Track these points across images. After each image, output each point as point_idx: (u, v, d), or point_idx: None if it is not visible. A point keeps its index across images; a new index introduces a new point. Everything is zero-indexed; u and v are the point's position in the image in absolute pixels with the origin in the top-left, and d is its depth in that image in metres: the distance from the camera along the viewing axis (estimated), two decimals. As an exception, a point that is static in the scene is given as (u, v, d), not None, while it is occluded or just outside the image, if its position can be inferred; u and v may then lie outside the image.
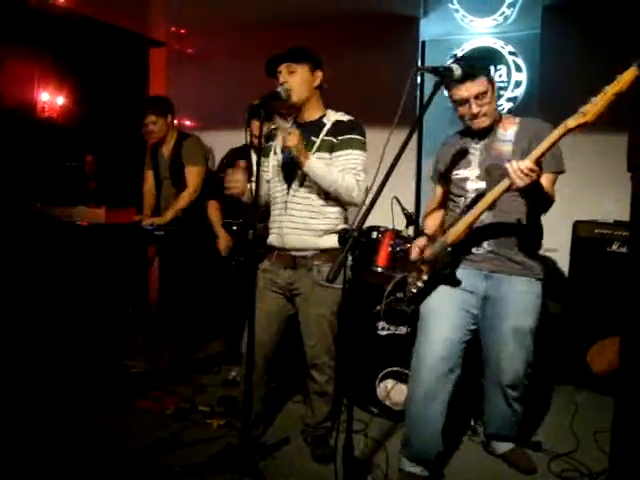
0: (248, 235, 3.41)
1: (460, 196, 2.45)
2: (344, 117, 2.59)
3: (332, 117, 2.58)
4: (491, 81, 2.36)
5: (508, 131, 2.39)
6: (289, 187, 2.57)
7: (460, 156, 2.48)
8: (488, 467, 2.67)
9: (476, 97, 2.30)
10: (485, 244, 2.39)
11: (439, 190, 2.65)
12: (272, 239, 2.65)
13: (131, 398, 3.16)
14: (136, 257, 3.71)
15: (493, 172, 2.33)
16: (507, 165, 2.05)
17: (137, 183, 4.15)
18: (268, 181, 2.67)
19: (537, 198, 2.21)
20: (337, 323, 2.63)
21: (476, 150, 2.44)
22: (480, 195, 2.30)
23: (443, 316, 2.39)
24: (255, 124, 3.22)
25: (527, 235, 2.42)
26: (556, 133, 1.95)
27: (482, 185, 2.37)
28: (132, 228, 3.68)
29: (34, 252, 3.59)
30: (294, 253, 2.58)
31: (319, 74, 2.57)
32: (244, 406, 2.42)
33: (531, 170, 2.00)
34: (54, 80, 4.73)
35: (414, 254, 2.47)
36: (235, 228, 3.63)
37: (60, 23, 4.51)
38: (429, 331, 2.40)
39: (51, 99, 4.73)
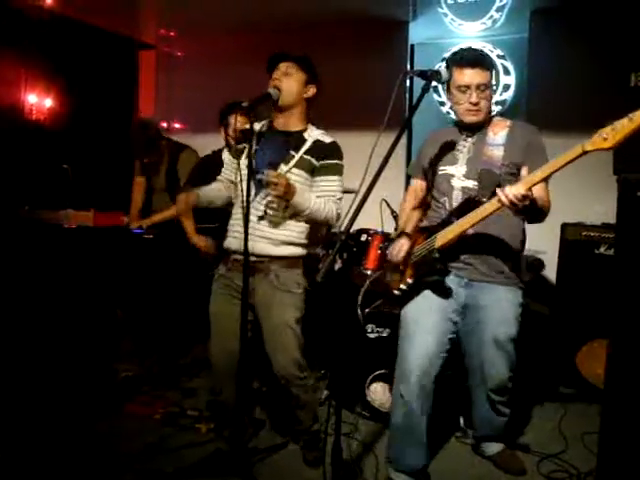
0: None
1: (444, 194, 2.41)
2: (325, 137, 2.53)
3: (313, 134, 2.52)
4: (491, 82, 2.36)
5: (498, 135, 2.37)
6: (256, 193, 2.45)
7: (446, 150, 2.43)
8: (477, 468, 2.67)
9: (477, 87, 2.29)
10: (468, 253, 2.36)
11: (418, 184, 2.59)
12: (230, 242, 2.53)
13: (120, 402, 3.14)
14: (124, 260, 3.68)
15: (485, 179, 2.32)
16: (498, 191, 2.04)
17: (124, 187, 4.12)
18: (234, 183, 2.58)
19: (531, 214, 2.22)
20: (301, 333, 2.52)
21: (464, 147, 2.41)
22: (469, 199, 2.27)
23: (426, 326, 2.34)
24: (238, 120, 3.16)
25: (510, 244, 2.40)
26: (569, 155, 1.90)
27: (468, 184, 2.35)
28: (120, 231, 3.66)
29: (23, 255, 3.56)
30: (252, 258, 2.40)
31: (312, 88, 2.53)
32: (234, 411, 2.39)
33: (524, 197, 1.99)
34: (42, 82, 4.71)
35: (394, 255, 2.42)
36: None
37: (49, 25, 4.49)
38: (412, 343, 2.35)
39: (39, 101, 4.71)
